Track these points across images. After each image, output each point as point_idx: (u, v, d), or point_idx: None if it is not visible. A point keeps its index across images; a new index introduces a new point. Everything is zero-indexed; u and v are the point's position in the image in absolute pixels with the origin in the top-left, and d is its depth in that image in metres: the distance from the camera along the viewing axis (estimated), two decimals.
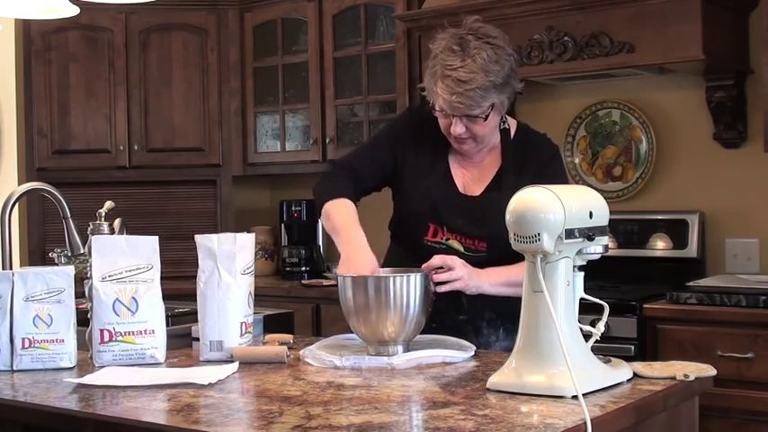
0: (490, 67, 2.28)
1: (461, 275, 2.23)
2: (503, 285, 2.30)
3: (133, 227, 2.65)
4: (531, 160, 2.44)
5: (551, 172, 2.40)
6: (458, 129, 2.35)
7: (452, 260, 2.24)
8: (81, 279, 2.32)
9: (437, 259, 2.24)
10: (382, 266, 2.36)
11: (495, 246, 2.32)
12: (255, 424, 1.62)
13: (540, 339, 1.76)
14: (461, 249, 2.40)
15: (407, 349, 2.15)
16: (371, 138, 2.59)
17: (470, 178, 2.47)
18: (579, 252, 1.82)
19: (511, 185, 2.33)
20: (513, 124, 2.51)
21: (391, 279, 2.13)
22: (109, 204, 2.64)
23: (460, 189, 2.45)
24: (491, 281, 2.31)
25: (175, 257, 3.91)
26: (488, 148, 2.46)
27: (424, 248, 2.39)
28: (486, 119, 2.34)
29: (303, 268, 4.71)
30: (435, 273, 2.22)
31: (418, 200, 2.44)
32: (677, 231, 3.78)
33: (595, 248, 1.83)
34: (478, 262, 2.33)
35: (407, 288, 2.12)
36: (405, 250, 2.47)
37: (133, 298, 2.15)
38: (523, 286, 1.81)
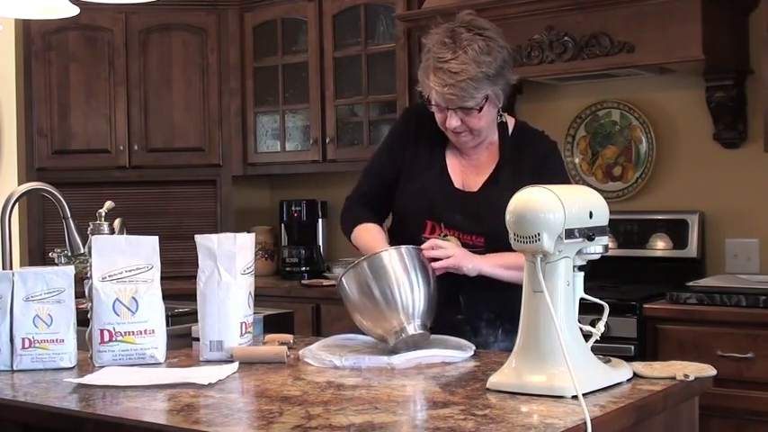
0: (482, 59, 2.28)
1: (453, 253, 2.26)
2: (502, 268, 2.31)
3: (133, 227, 2.64)
4: (528, 156, 2.44)
5: (550, 167, 2.41)
6: (453, 122, 2.36)
7: (443, 242, 2.30)
8: (81, 279, 2.32)
9: (429, 243, 2.29)
10: None
11: (492, 241, 2.32)
12: (255, 424, 1.62)
13: (540, 339, 1.76)
14: (459, 245, 2.40)
15: (426, 328, 2.16)
16: (374, 156, 2.62)
17: (468, 174, 2.47)
18: (579, 252, 1.82)
19: (508, 181, 2.34)
20: (510, 121, 2.52)
21: (382, 253, 2.18)
22: (109, 204, 2.64)
23: (458, 185, 2.46)
24: (490, 262, 2.32)
25: (175, 257, 3.91)
26: (486, 144, 2.46)
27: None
28: (480, 110, 2.34)
29: (303, 268, 4.71)
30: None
31: (415, 198, 2.45)
32: (677, 231, 3.78)
33: (595, 248, 1.83)
34: None
35: (400, 259, 2.18)
36: None
37: (133, 298, 2.15)
38: (523, 286, 1.81)
